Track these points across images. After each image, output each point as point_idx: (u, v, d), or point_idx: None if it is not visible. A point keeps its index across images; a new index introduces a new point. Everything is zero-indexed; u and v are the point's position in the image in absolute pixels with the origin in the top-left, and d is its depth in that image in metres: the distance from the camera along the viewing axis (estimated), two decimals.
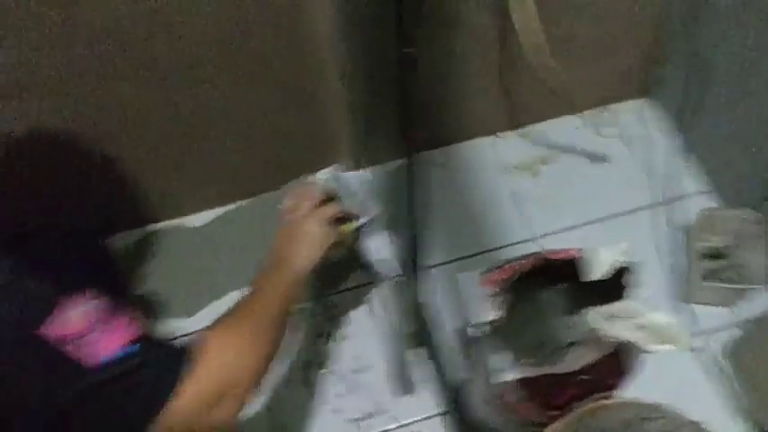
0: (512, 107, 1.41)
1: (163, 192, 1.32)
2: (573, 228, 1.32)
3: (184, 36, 1.04)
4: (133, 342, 0.59)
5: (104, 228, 1.33)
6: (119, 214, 1.33)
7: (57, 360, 0.55)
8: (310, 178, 1.04)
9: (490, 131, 1.46)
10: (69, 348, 0.56)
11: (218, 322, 0.74)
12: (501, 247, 1.29)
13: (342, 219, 1.00)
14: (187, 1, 0.99)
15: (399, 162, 1.12)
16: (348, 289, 1.29)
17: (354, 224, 1.03)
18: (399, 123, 0.86)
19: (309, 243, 0.91)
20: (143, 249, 1.35)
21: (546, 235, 1.30)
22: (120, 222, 1.35)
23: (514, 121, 1.44)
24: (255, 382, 0.71)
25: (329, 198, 0.99)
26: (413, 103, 0.77)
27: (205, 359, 0.65)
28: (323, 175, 1.04)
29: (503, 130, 1.46)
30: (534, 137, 1.45)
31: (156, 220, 1.38)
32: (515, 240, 1.30)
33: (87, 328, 0.57)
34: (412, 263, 1.05)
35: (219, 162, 1.30)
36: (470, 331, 0.92)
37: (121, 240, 1.35)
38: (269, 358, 0.75)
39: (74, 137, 1.13)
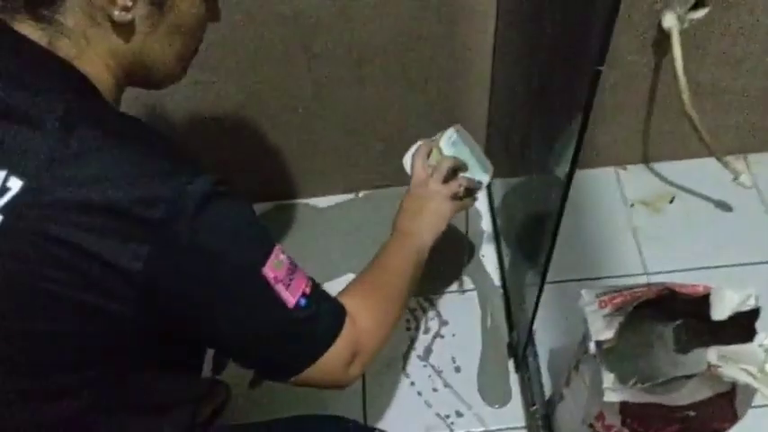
0: (647, 141, 1.41)
1: (300, 171, 1.42)
2: (688, 270, 1.30)
3: (362, 35, 1.13)
4: (310, 292, 0.66)
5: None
6: (260, 187, 1.44)
7: (270, 297, 0.62)
8: (435, 138, 1.07)
9: (620, 162, 1.47)
10: (278, 288, 0.62)
11: (361, 285, 0.80)
12: (610, 277, 1.30)
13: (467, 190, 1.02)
14: (374, 4, 1.09)
15: (522, 179, 1.17)
16: (459, 291, 1.34)
17: (475, 193, 1.06)
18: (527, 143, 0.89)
19: (436, 220, 0.95)
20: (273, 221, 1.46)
21: (659, 273, 1.30)
22: (260, 194, 1.46)
23: (646, 155, 1.44)
24: (381, 347, 0.77)
25: (455, 170, 1.02)
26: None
27: (354, 321, 0.71)
28: (446, 135, 1.06)
29: (633, 162, 1.47)
30: (664, 174, 1.44)
31: (287, 197, 1.48)
32: (627, 273, 1.30)
33: (288, 274, 0.64)
34: (540, 278, 1.08)
35: (358, 153, 1.39)
36: (580, 348, 0.95)
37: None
38: (395, 326, 0.80)
39: (242, 116, 1.26)
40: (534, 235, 1.03)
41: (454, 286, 1.34)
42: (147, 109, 1.20)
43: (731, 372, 0.79)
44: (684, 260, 1.31)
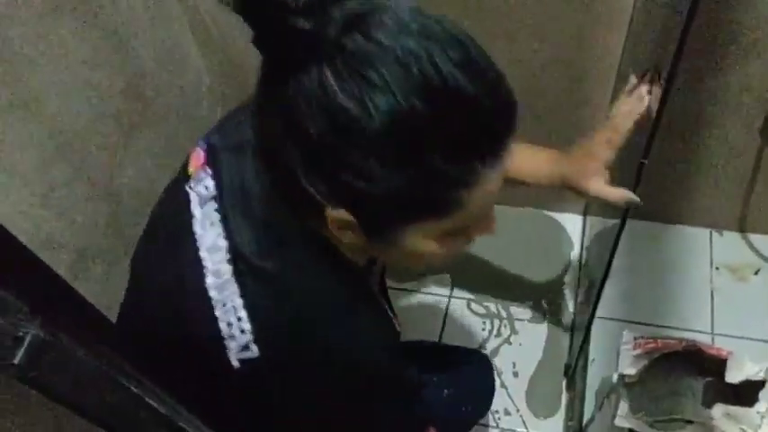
0: (746, 211, 1.48)
1: None
2: (753, 340, 1.36)
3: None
4: None
5: None
6: None
7: None
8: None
9: (717, 226, 1.54)
10: None
11: None
12: (677, 328, 1.40)
13: None
14: (505, 52, 1.26)
15: (615, 221, 1.30)
16: (535, 307, 1.50)
17: None
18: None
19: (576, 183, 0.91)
20: None
21: (724, 335, 1.37)
22: None
23: (743, 225, 1.51)
24: None
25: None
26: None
27: None
28: None
29: (730, 229, 1.54)
30: (757, 245, 1.50)
31: None
32: (693, 328, 1.39)
33: None
34: (591, 311, 1.23)
35: None
36: (612, 378, 1.09)
37: None
38: None
39: None
40: (598, 274, 1.17)
41: (532, 302, 1.51)
42: None
43: (726, 427, 0.91)
44: (752, 329, 1.37)
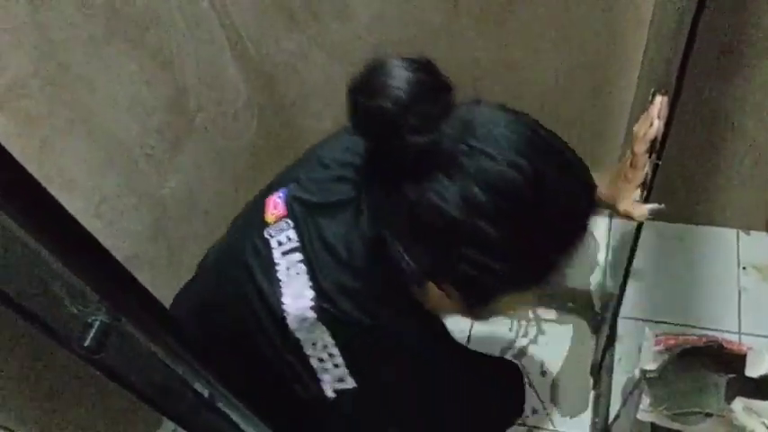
0: None
1: None
2: None
3: (518, 83, 1.37)
4: None
5: None
6: None
7: None
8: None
9: (744, 226, 1.56)
10: None
11: None
12: (705, 328, 1.42)
13: None
14: (531, 62, 1.31)
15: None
16: (562, 308, 1.54)
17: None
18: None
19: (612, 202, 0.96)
20: None
21: (752, 335, 1.39)
22: None
23: None
24: None
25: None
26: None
27: None
28: None
29: (757, 229, 1.55)
30: None
31: None
32: (721, 328, 1.41)
33: None
34: (613, 311, 1.26)
35: None
36: (634, 374, 1.13)
37: None
38: None
39: None
40: (620, 274, 1.21)
41: (558, 302, 1.54)
42: None
43: (743, 419, 0.94)
44: None
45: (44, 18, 0.90)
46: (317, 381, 0.76)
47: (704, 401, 1.12)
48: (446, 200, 0.62)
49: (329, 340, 0.74)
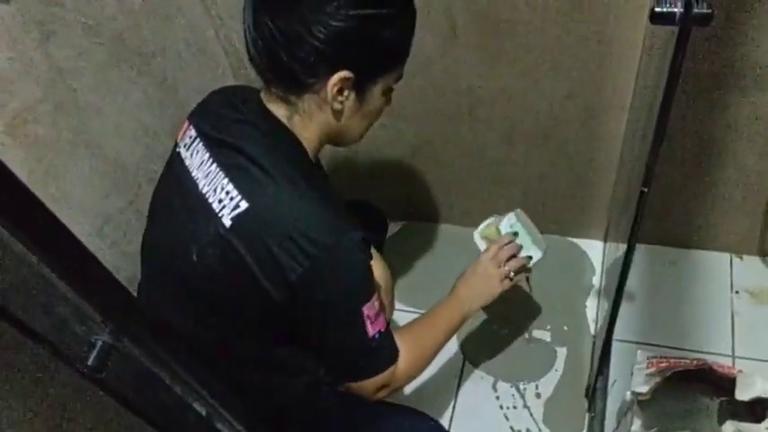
0: (766, 236, 1.51)
1: (450, 203, 1.72)
2: None
3: (514, 110, 1.41)
4: (384, 331, 0.93)
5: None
6: (411, 209, 1.76)
7: (360, 325, 0.88)
8: (496, 219, 1.26)
9: (737, 251, 1.58)
10: (367, 323, 0.88)
11: (410, 335, 1.02)
12: (698, 351, 1.43)
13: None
14: (529, 89, 1.35)
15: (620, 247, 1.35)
16: (557, 331, 1.55)
17: (528, 271, 1.21)
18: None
19: (487, 295, 1.13)
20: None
21: (745, 358, 1.40)
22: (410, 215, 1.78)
23: (764, 249, 1.54)
24: (406, 385, 1.04)
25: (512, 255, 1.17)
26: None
27: (401, 364, 0.96)
28: (507, 218, 1.25)
29: (750, 253, 1.57)
30: None
31: (435, 221, 1.78)
32: (714, 351, 1.42)
33: (376, 315, 0.90)
34: (606, 334, 1.28)
35: (499, 197, 1.64)
36: (626, 395, 1.14)
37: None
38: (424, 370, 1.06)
39: (414, 155, 1.58)
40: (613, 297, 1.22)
41: (553, 325, 1.56)
42: None
43: None
44: None
45: (53, 47, 0.93)
46: (219, 217, 0.85)
47: (696, 424, 1.14)
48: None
49: (224, 181, 0.86)
